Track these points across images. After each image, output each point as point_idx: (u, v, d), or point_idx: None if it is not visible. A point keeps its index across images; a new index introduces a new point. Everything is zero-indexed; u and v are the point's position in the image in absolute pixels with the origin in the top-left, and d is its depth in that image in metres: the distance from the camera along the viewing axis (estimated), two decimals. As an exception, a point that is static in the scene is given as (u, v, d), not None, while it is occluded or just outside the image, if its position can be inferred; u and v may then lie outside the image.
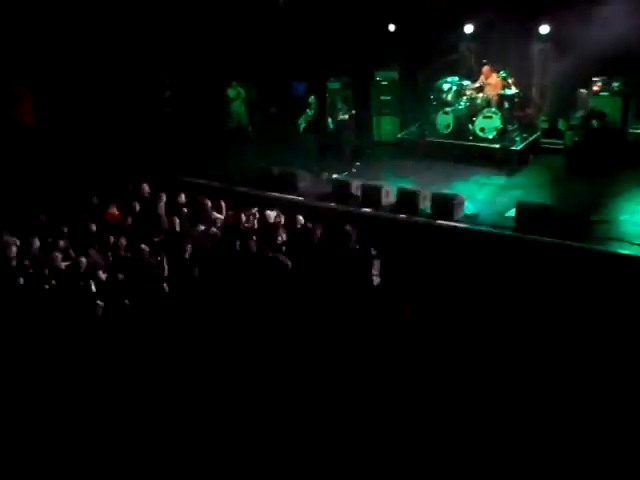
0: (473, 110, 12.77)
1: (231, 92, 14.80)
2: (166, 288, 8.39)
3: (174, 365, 7.17)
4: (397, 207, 10.92)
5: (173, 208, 10.65)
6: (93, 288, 8.24)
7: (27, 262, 8.91)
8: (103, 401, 6.79)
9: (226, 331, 7.56)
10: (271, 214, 10.22)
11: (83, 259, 8.78)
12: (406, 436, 6.09)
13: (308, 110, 12.97)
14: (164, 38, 14.20)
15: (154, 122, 14.83)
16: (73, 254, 9.19)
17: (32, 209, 10.79)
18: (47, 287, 8.40)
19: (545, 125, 12.64)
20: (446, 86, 13.12)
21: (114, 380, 6.99)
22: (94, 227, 9.95)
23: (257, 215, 10.09)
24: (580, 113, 9.99)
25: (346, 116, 12.47)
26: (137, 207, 10.55)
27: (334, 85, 13.99)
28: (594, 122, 9.92)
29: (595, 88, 11.52)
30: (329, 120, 12.48)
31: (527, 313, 7.48)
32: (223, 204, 10.71)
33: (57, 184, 11.88)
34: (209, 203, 10.61)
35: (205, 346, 7.36)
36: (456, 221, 10.30)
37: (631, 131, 12.05)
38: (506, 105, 12.62)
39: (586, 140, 10.11)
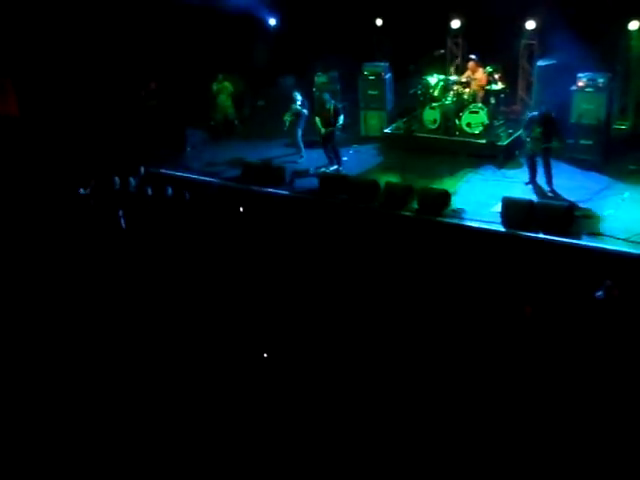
0: (460, 105, 12.81)
1: (217, 85, 14.72)
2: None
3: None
4: (384, 202, 10.95)
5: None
6: None
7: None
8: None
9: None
10: None
11: None
12: (393, 434, 6.10)
13: (293, 105, 12.93)
14: (150, 30, 14.06)
15: (140, 115, 14.70)
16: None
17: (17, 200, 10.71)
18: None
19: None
20: (433, 81, 13.13)
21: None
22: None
23: None
24: (540, 128, 10.39)
25: (339, 126, 12.32)
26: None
27: (322, 79, 13.99)
28: (554, 139, 10.51)
29: (580, 84, 11.62)
30: (317, 120, 12.31)
31: (512, 308, 7.52)
32: None
33: (41, 176, 11.77)
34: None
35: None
36: (442, 216, 10.36)
37: (615, 127, 12.19)
38: (492, 100, 12.69)
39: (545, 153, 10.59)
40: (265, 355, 7.00)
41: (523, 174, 11.30)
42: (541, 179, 10.87)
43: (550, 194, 10.67)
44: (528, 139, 10.74)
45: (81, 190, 10.43)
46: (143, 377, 6.94)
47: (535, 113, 10.80)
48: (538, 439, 5.93)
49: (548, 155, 10.65)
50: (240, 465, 5.98)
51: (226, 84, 14.70)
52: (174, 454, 6.12)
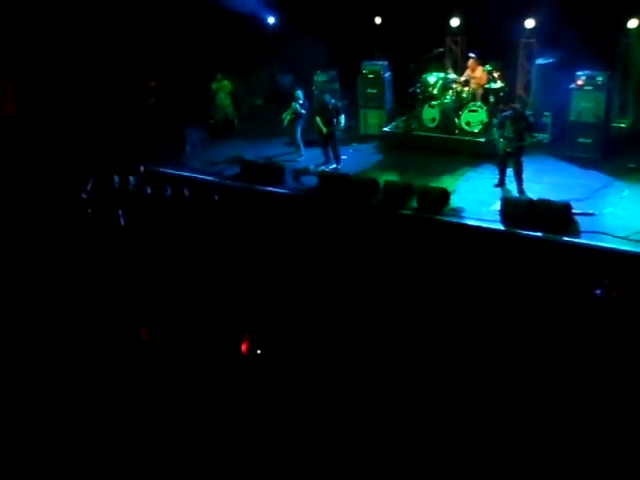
0: (459, 104, 12.81)
1: (216, 84, 14.72)
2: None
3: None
4: (383, 201, 10.95)
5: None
6: None
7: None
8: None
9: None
10: None
11: None
12: (395, 436, 6.09)
13: (293, 103, 12.93)
14: (149, 29, 14.05)
15: (139, 113, 14.69)
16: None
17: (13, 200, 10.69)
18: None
19: (530, 119, 12.71)
20: (432, 79, 13.14)
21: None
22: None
23: None
24: (514, 127, 10.38)
25: (341, 127, 12.28)
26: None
27: (321, 77, 13.98)
28: (527, 137, 10.55)
29: (579, 82, 11.62)
30: (318, 120, 12.25)
31: (512, 307, 7.53)
32: None
33: (39, 175, 11.75)
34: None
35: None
36: (441, 215, 10.36)
37: (614, 125, 12.19)
38: (491, 99, 12.69)
39: (517, 152, 10.56)
40: (259, 352, 7.00)
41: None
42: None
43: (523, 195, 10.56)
44: (501, 139, 10.65)
45: (83, 195, 10.46)
46: (141, 374, 6.93)
47: (508, 112, 10.70)
48: (536, 436, 5.94)
49: (520, 155, 10.57)
50: (236, 466, 5.98)
51: (225, 83, 14.71)
52: (170, 455, 6.13)
